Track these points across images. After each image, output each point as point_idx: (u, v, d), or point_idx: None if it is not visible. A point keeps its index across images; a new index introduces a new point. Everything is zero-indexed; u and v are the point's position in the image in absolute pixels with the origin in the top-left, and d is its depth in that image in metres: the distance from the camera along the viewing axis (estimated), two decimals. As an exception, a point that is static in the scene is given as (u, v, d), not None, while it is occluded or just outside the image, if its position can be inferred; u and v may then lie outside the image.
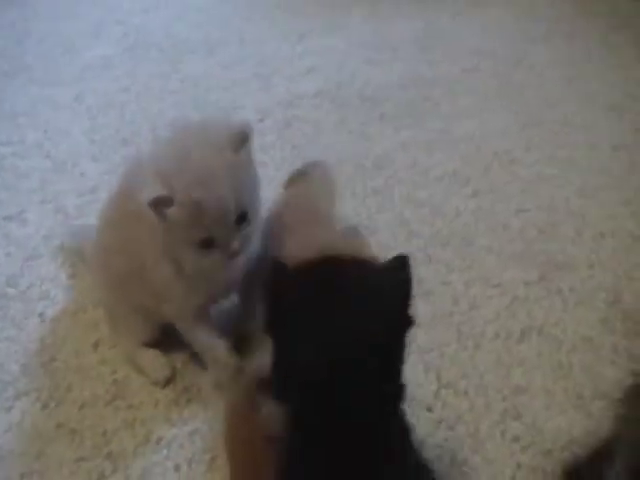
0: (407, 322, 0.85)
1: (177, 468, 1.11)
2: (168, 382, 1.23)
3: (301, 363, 0.79)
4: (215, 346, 1.17)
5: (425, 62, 2.00)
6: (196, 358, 1.23)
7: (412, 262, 1.42)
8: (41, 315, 1.33)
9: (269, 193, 1.21)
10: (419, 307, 1.33)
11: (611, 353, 1.27)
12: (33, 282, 1.38)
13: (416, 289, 1.38)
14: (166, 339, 1.26)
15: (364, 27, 2.14)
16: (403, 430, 0.88)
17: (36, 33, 2.05)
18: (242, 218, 1.04)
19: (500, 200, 1.57)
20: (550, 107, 1.85)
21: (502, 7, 2.27)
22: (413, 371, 1.24)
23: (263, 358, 0.98)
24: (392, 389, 0.85)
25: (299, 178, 1.30)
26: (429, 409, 1.19)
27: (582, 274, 1.42)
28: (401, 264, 0.86)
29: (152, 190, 0.99)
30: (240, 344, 1.20)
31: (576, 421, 1.17)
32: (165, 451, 1.13)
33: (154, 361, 1.24)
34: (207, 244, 1.03)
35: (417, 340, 1.29)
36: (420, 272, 1.40)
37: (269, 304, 0.84)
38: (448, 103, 1.85)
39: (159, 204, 0.99)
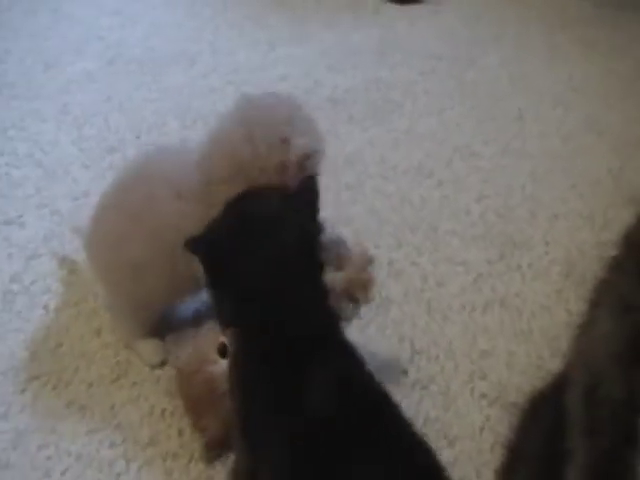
0: (318, 229, 1.00)
1: (181, 433, 1.22)
2: (163, 364, 1.33)
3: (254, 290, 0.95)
4: None
5: (385, 67, 2.13)
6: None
7: (384, 247, 1.56)
8: (45, 307, 1.42)
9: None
10: (392, 286, 1.47)
11: (566, 317, 1.40)
12: (36, 278, 1.47)
13: (388, 270, 1.52)
14: (162, 325, 1.37)
15: (325, 37, 2.26)
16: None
17: (17, 52, 2.13)
18: None
19: (462, 189, 1.71)
20: (502, 103, 1.99)
21: (452, 14, 2.41)
22: (389, 342, 1.37)
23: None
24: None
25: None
26: (404, 373, 1.31)
27: (538, 251, 1.55)
28: (309, 182, 1.01)
29: None
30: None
31: (537, 377, 1.29)
32: (169, 420, 1.24)
33: (149, 348, 1.34)
34: None
35: (391, 315, 1.42)
36: (391, 255, 1.53)
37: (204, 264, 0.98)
38: (409, 103, 1.98)
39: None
